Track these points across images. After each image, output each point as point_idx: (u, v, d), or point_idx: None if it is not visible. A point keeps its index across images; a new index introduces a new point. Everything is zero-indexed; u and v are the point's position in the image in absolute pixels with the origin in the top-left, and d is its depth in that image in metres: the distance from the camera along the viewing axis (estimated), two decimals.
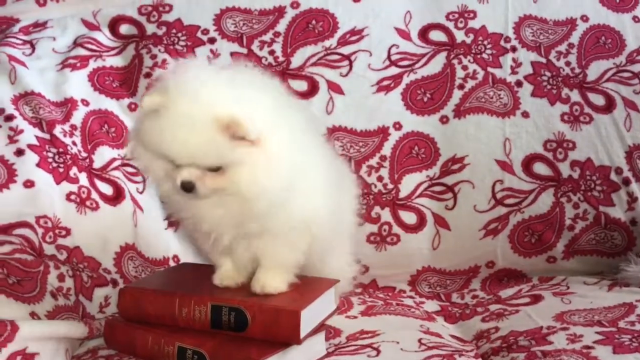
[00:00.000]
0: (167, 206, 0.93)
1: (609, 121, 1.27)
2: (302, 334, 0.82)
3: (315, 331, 0.87)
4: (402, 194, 1.26)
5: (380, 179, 1.26)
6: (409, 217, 1.25)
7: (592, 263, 1.27)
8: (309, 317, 0.84)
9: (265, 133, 0.76)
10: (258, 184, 0.77)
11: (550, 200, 1.25)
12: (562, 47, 1.30)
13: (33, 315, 0.86)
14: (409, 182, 1.26)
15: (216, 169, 0.77)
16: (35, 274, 0.92)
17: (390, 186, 1.26)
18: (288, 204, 0.81)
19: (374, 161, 1.26)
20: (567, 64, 1.30)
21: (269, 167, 0.77)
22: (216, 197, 0.79)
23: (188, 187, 0.77)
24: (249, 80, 0.82)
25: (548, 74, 1.29)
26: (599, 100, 1.28)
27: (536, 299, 1.15)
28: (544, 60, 1.30)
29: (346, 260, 1.06)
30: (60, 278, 0.98)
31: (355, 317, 1.07)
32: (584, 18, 1.32)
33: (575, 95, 1.28)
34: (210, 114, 0.74)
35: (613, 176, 1.26)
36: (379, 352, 0.91)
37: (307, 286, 0.93)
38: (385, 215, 1.25)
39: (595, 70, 1.29)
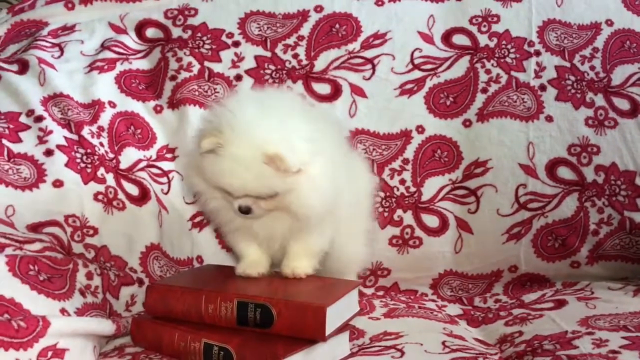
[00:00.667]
0: (217, 218, 0.99)
1: (634, 126, 1.26)
2: (328, 331, 0.82)
3: (339, 330, 0.88)
4: (424, 197, 1.26)
5: (402, 182, 1.26)
6: (432, 221, 1.25)
7: (616, 268, 1.26)
8: (334, 315, 0.85)
9: (307, 160, 0.87)
10: (307, 206, 0.89)
11: (574, 205, 1.25)
12: (587, 52, 1.30)
13: (63, 311, 0.88)
14: (432, 186, 1.26)
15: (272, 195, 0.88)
16: (64, 271, 0.94)
17: (412, 189, 1.26)
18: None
19: (396, 164, 1.27)
20: (592, 68, 1.29)
21: (314, 191, 0.88)
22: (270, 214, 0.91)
23: (245, 211, 0.89)
24: (289, 108, 0.93)
25: (572, 78, 1.29)
26: (623, 104, 1.27)
27: (560, 303, 1.14)
28: (568, 65, 1.29)
29: (362, 240, 1.10)
30: (89, 276, 1.00)
31: (378, 319, 1.07)
32: (609, 22, 1.31)
33: (599, 100, 1.28)
34: (260, 153, 0.84)
35: (638, 181, 1.25)
36: (403, 353, 0.91)
37: (332, 286, 0.94)
38: (408, 218, 1.25)
39: (620, 74, 1.29)
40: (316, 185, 0.88)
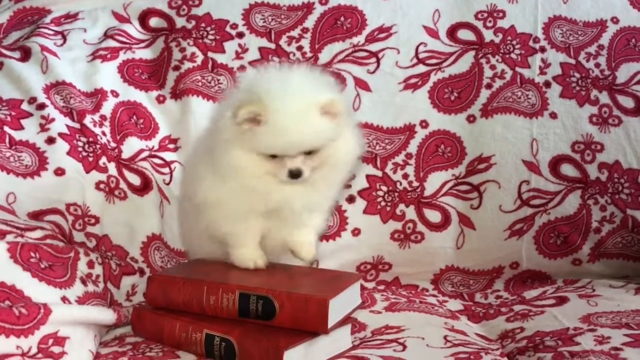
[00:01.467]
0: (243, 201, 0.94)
1: (638, 124, 1.26)
2: (330, 324, 0.82)
3: (341, 323, 0.88)
4: (427, 192, 1.25)
5: (405, 176, 1.26)
6: (434, 216, 1.25)
7: (618, 266, 1.26)
8: (337, 307, 0.84)
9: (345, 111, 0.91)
10: (350, 153, 0.94)
11: (577, 202, 1.24)
12: (592, 49, 1.29)
13: (64, 300, 0.87)
14: (435, 181, 1.26)
15: (309, 152, 0.89)
16: (66, 259, 0.93)
17: (415, 184, 1.26)
18: None
19: (399, 159, 1.26)
20: (597, 65, 1.29)
21: (353, 138, 0.94)
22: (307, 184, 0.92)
23: (297, 174, 0.89)
24: (311, 74, 0.94)
25: (577, 75, 1.28)
26: (628, 102, 1.27)
27: (561, 300, 1.14)
28: (573, 62, 1.29)
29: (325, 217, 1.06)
30: (90, 265, 0.99)
31: (379, 313, 1.07)
32: (614, 20, 1.31)
33: (604, 97, 1.27)
34: (314, 104, 0.87)
35: None
36: (404, 347, 0.91)
37: (334, 279, 0.93)
38: (410, 213, 1.25)
39: (625, 72, 1.28)
40: (354, 134, 0.94)
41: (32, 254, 0.87)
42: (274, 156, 0.89)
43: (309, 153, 0.89)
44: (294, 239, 0.97)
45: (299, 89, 0.88)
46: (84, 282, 0.94)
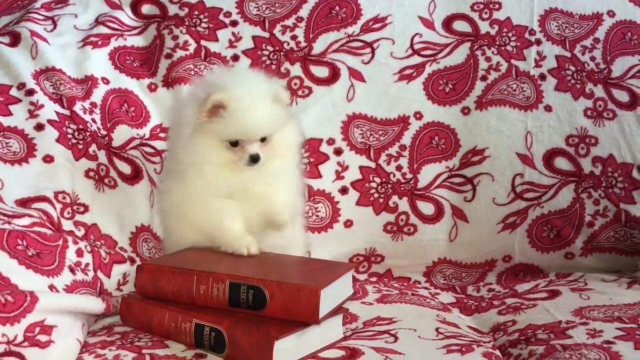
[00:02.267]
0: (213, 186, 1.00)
1: (633, 118, 1.25)
2: (321, 314, 0.81)
3: (333, 313, 0.87)
4: (420, 184, 1.25)
5: (399, 168, 1.25)
6: (427, 208, 1.24)
7: (610, 261, 1.26)
8: (328, 297, 0.83)
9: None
10: (294, 140, 1.04)
11: (570, 196, 1.24)
12: (588, 42, 1.29)
13: (52, 288, 0.86)
14: (428, 173, 1.25)
15: (263, 140, 0.98)
16: (54, 247, 0.92)
17: (409, 176, 1.25)
18: None
19: (393, 150, 1.25)
20: (592, 59, 1.28)
21: (297, 126, 1.05)
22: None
23: (256, 158, 0.97)
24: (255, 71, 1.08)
25: (572, 68, 1.27)
26: (623, 96, 1.27)
27: (554, 294, 1.13)
28: (568, 55, 1.28)
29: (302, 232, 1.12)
30: (79, 253, 0.98)
31: (371, 304, 1.06)
32: (610, 13, 1.30)
33: (599, 91, 1.27)
34: (268, 92, 0.99)
35: (635, 174, 1.24)
36: (396, 338, 0.90)
37: (326, 269, 0.92)
38: (403, 205, 1.24)
39: (620, 66, 1.28)
40: (296, 123, 1.06)
41: (20, 242, 0.86)
42: (234, 145, 0.97)
43: (263, 140, 0.98)
44: (269, 207, 0.98)
45: (255, 80, 1.01)
46: (72, 270, 0.93)
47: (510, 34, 1.29)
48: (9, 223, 0.89)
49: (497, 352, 0.93)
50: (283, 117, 1.01)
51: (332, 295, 0.86)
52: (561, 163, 1.25)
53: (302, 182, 1.11)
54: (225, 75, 1.03)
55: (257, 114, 0.96)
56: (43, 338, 0.77)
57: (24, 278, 0.82)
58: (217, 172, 0.98)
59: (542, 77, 1.27)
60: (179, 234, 1.02)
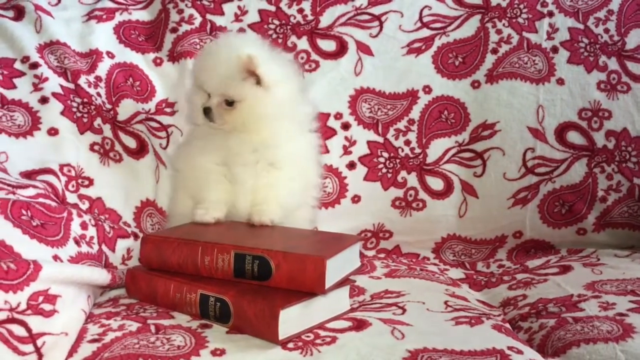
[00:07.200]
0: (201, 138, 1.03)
1: None
2: (328, 284, 0.79)
3: (339, 284, 0.85)
4: (429, 159, 1.23)
5: (407, 143, 1.23)
6: (436, 183, 1.22)
7: (623, 236, 1.23)
8: (334, 268, 0.82)
9: (278, 80, 0.98)
10: (261, 117, 0.98)
11: (583, 171, 1.22)
12: (601, 14, 1.26)
13: (56, 258, 0.85)
14: (437, 147, 1.23)
15: (231, 104, 0.97)
16: (59, 219, 0.91)
17: (417, 151, 1.23)
18: (288, 144, 1.00)
19: (401, 125, 1.23)
20: (606, 30, 1.25)
21: (273, 107, 0.97)
22: (237, 133, 0.99)
23: (206, 111, 0.98)
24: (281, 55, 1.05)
25: (586, 40, 1.25)
26: (637, 69, 1.24)
27: (565, 269, 1.11)
28: (581, 27, 1.25)
29: (310, 214, 1.09)
30: (83, 226, 0.97)
31: (379, 278, 1.05)
32: None
33: (613, 64, 1.24)
34: (234, 53, 0.96)
35: None
36: (404, 310, 0.89)
37: (333, 240, 0.91)
38: (412, 180, 1.22)
39: (635, 38, 1.25)
40: (277, 103, 0.98)
41: (24, 212, 0.85)
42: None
43: (230, 104, 0.97)
44: (255, 196, 0.98)
45: (236, 42, 1.01)
46: (77, 242, 0.92)
47: (521, 6, 1.26)
48: (14, 193, 0.88)
49: (507, 325, 0.92)
50: (246, 87, 0.96)
51: (339, 266, 0.84)
52: (574, 137, 1.22)
53: (318, 168, 1.08)
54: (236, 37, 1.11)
55: (212, 63, 0.98)
56: (47, 307, 0.76)
57: (28, 247, 0.81)
58: (209, 133, 1.00)
59: (555, 49, 1.24)
60: (179, 200, 1.04)
